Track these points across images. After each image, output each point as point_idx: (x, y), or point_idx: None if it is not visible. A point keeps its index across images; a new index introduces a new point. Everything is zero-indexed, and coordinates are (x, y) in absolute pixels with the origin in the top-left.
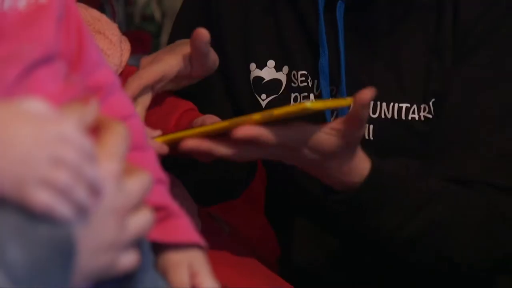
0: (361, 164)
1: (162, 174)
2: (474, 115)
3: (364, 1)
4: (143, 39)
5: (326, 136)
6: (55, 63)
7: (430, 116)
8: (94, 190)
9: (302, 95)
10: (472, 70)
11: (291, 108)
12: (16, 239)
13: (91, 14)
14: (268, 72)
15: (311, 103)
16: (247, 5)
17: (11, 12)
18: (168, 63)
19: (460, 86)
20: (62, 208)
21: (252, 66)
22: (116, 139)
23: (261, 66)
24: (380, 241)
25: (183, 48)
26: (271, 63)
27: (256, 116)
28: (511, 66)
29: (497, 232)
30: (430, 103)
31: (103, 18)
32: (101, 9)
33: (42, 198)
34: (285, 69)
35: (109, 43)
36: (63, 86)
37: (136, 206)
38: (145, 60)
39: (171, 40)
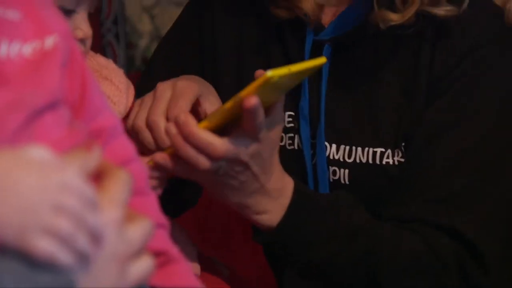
0: (288, 184)
1: (163, 219)
2: (429, 158)
3: (349, 44)
4: None
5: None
6: (59, 109)
7: (403, 160)
8: (96, 238)
9: (288, 135)
10: (434, 113)
11: (255, 83)
12: (18, 286)
13: (98, 61)
14: None
15: (272, 71)
16: (241, 43)
17: (17, 59)
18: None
19: (422, 129)
20: (63, 256)
21: None
22: (118, 186)
23: None
24: (318, 269)
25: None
26: None
27: (228, 104)
28: (471, 112)
29: (428, 268)
30: (402, 147)
31: (110, 65)
32: (103, 52)
33: (44, 246)
34: None
35: (115, 89)
36: (67, 132)
37: (137, 253)
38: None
39: (157, 54)
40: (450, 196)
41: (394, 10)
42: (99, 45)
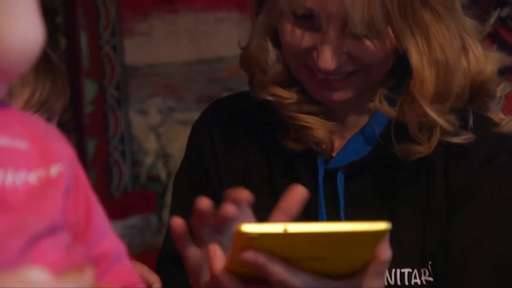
0: None
1: None
2: (465, 274)
3: (362, 169)
4: (148, 199)
5: None
6: (59, 233)
7: (431, 279)
8: None
9: None
10: (460, 228)
11: (234, 249)
12: None
13: None
14: None
15: (248, 227)
16: (248, 174)
17: (22, 187)
18: None
19: (450, 246)
20: None
21: None
22: None
23: None
24: None
25: None
26: None
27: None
28: (497, 222)
29: None
30: (429, 266)
31: None
32: (109, 170)
33: None
34: None
35: None
36: (65, 256)
37: None
38: None
39: (174, 200)
40: None
41: (417, 142)
42: (106, 163)
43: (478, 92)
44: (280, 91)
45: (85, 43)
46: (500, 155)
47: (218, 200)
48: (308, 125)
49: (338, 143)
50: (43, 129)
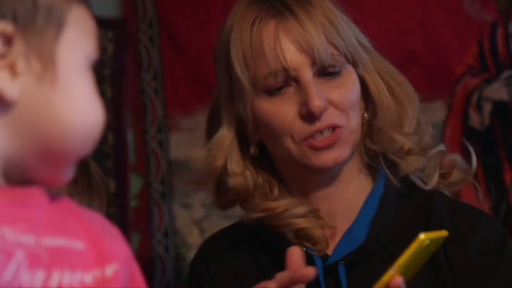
0: None
1: None
2: None
3: (362, 259)
4: None
5: None
6: None
7: None
8: None
9: None
10: None
11: (410, 250)
12: None
13: None
14: None
15: (424, 234)
16: (242, 278)
17: (79, 287)
18: None
19: None
20: None
21: None
22: None
23: None
24: None
25: None
26: None
27: (387, 277)
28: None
29: None
30: None
31: None
32: (152, 264)
33: None
34: None
35: None
36: None
37: None
38: None
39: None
40: None
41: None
42: (149, 257)
43: None
44: (269, 204)
45: (131, 138)
46: (493, 235)
47: None
48: (304, 225)
49: (330, 234)
50: (100, 227)
